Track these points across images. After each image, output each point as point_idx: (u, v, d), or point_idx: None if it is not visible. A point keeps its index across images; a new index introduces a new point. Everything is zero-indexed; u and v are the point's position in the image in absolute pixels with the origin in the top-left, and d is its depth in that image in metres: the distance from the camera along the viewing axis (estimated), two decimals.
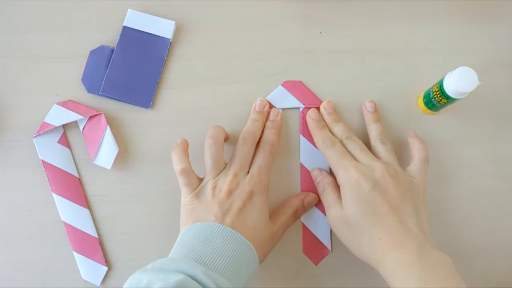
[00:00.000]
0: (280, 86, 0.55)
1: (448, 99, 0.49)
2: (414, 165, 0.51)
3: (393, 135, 0.56)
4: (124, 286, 0.40)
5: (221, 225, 0.45)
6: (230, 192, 0.47)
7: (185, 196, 0.49)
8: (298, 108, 0.55)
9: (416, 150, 0.51)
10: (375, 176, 0.47)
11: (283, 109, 0.55)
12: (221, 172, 0.49)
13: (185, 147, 0.50)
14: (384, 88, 0.57)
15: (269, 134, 0.52)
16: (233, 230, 0.45)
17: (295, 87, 0.55)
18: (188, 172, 0.49)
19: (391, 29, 0.58)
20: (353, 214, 0.47)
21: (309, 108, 0.55)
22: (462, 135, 0.56)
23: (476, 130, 0.57)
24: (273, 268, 0.53)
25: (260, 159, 0.50)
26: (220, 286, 0.40)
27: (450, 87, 0.48)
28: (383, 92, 0.56)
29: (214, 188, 0.48)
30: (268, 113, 0.54)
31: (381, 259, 0.45)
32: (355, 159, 0.50)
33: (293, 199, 0.53)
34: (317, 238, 0.53)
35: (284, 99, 0.55)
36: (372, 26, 0.57)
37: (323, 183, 0.52)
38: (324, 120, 0.54)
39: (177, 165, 0.49)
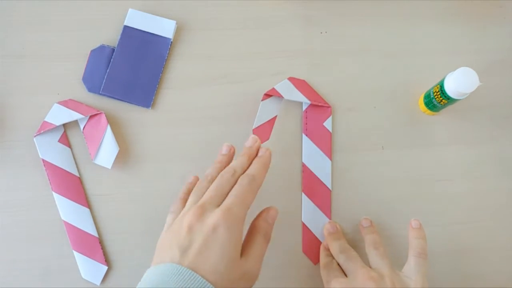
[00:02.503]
0: (286, 79, 0.55)
1: (449, 100, 0.50)
2: (409, 263, 0.48)
3: (393, 136, 0.56)
4: None
5: (178, 266, 0.39)
6: (190, 227, 0.41)
7: (166, 224, 0.46)
8: (302, 104, 0.55)
9: (411, 245, 0.49)
10: (356, 285, 0.46)
11: (287, 101, 0.55)
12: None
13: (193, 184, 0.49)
14: (384, 88, 0.57)
15: (252, 167, 0.46)
16: (191, 272, 0.38)
17: (300, 84, 0.55)
18: (178, 199, 0.47)
19: (391, 29, 0.58)
20: None
21: (315, 105, 0.55)
22: (463, 135, 0.56)
23: (476, 130, 0.57)
24: (273, 268, 0.53)
25: (236, 190, 0.43)
26: None
27: (450, 88, 0.48)
28: (383, 92, 0.56)
29: (180, 219, 0.43)
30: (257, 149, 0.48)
31: None
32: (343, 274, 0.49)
33: (257, 222, 0.46)
34: (317, 237, 0.53)
35: (291, 92, 0.54)
36: (372, 26, 0.58)
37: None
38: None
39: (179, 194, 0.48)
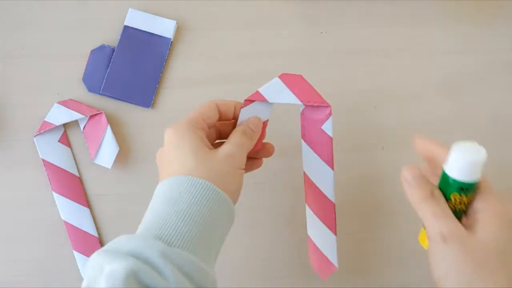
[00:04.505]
0: (276, 78, 0.46)
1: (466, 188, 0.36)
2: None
3: (393, 136, 0.56)
4: (86, 269, 0.35)
5: (186, 177, 0.38)
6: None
7: None
8: (299, 107, 0.49)
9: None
10: None
11: (278, 104, 0.47)
12: None
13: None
14: (384, 88, 0.57)
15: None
16: (199, 180, 0.38)
17: (294, 82, 0.47)
18: None
19: (391, 29, 0.58)
20: (498, 243, 0.34)
21: (310, 106, 0.46)
22: (463, 135, 0.56)
23: (476, 130, 0.57)
24: (273, 268, 0.53)
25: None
26: (182, 267, 0.34)
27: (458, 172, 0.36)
28: (383, 92, 0.56)
29: None
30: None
31: None
32: None
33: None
34: (323, 253, 0.49)
35: (280, 94, 0.46)
36: (372, 26, 0.58)
37: (429, 186, 0.37)
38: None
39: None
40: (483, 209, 0.36)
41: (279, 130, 0.55)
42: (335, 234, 0.49)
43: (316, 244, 0.49)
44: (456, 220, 0.35)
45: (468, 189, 0.36)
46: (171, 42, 0.55)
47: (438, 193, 0.37)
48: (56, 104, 0.53)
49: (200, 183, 0.38)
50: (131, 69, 0.55)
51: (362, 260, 0.53)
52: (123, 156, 0.54)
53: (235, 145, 0.42)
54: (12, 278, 0.52)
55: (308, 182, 0.49)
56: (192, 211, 0.37)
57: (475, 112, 0.57)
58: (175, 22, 0.55)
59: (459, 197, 0.36)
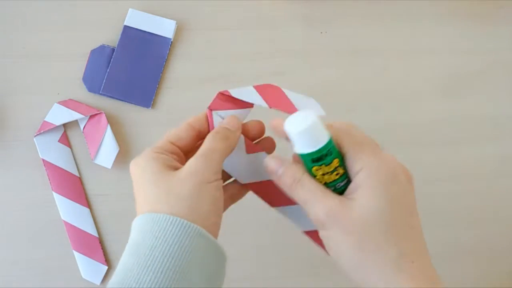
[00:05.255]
0: (251, 87, 0.41)
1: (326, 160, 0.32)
2: None
3: (394, 136, 0.56)
4: None
5: (143, 215, 0.33)
6: None
7: None
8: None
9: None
10: (408, 171, 0.34)
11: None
12: None
13: None
14: (384, 88, 0.57)
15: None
16: (158, 215, 0.32)
17: (269, 90, 0.41)
18: None
19: (391, 29, 0.58)
20: (377, 210, 0.31)
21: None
22: (462, 135, 0.56)
23: (476, 130, 0.57)
24: (273, 268, 0.53)
25: None
26: None
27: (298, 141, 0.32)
28: (383, 92, 0.56)
29: None
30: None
31: None
32: None
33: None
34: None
35: (247, 95, 0.40)
36: (372, 26, 0.58)
37: (292, 171, 0.34)
38: None
39: None
40: (360, 169, 0.32)
41: None
42: None
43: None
44: (330, 201, 0.32)
45: (322, 158, 0.32)
46: (171, 42, 0.55)
47: (301, 174, 0.33)
48: (56, 104, 0.53)
49: (163, 219, 0.32)
50: (131, 69, 0.55)
51: None
52: (123, 156, 0.54)
53: (200, 157, 0.34)
54: (12, 278, 0.52)
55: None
56: (154, 257, 0.30)
57: (475, 112, 0.57)
58: (175, 22, 0.55)
59: (320, 170, 0.33)
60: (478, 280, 0.55)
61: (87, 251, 0.52)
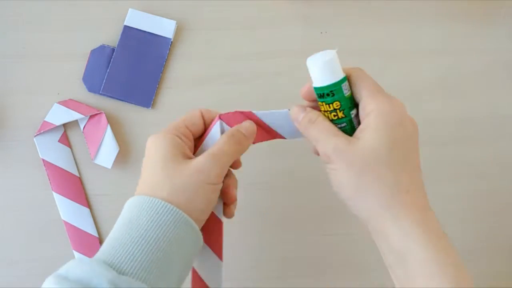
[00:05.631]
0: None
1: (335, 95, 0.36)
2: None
3: None
4: None
5: (143, 197, 0.36)
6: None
7: None
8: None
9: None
10: (414, 121, 0.38)
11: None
12: None
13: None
14: (384, 88, 0.57)
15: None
16: (159, 201, 0.35)
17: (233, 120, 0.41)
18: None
19: (391, 29, 0.58)
20: (380, 146, 0.35)
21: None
22: (462, 135, 0.57)
23: (476, 130, 0.57)
24: (273, 268, 0.53)
25: None
26: None
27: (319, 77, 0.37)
28: None
29: None
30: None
31: (399, 217, 0.34)
32: None
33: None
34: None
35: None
36: (372, 26, 0.58)
37: (311, 115, 0.38)
38: None
39: None
40: (371, 110, 0.36)
41: None
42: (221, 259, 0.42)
43: (200, 274, 0.42)
44: (337, 139, 0.36)
45: (323, 96, 0.36)
46: (171, 42, 0.55)
47: (316, 117, 0.37)
48: (56, 104, 0.53)
49: (161, 205, 0.35)
50: (131, 69, 0.55)
51: (363, 260, 0.53)
52: (123, 156, 0.54)
53: (210, 156, 0.37)
54: (12, 278, 0.52)
55: None
56: (149, 236, 0.34)
57: (475, 112, 0.57)
58: (175, 22, 0.55)
59: (322, 107, 0.37)
60: (478, 280, 0.54)
61: (87, 251, 0.52)
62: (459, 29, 0.58)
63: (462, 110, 0.57)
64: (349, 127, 0.37)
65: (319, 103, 0.37)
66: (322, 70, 0.36)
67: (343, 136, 0.36)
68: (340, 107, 0.37)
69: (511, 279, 0.55)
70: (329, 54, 0.36)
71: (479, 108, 0.57)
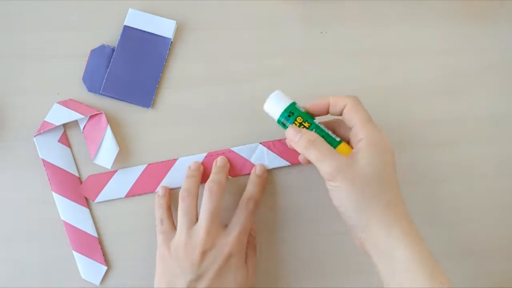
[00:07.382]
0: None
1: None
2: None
3: (393, 136, 0.56)
4: None
5: None
6: (204, 253, 0.44)
7: (160, 245, 0.48)
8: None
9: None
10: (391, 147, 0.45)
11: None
12: (193, 226, 0.47)
13: (167, 198, 0.51)
14: (384, 88, 0.57)
15: (255, 189, 0.50)
16: None
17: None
18: (165, 218, 0.49)
19: (391, 29, 0.58)
20: (374, 168, 0.41)
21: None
22: (462, 135, 0.56)
23: (476, 130, 0.57)
24: (273, 268, 0.53)
25: (241, 218, 0.48)
26: None
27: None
28: (383, 92, 0.56)
29: (186, 245, 0.45)
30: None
31: (392, 226, 0.41)
32: None
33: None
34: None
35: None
36: (372, 26, 0.58)
37: (308, 136, 0.44)
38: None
39: (157, 212, 0.50)
40: (362, 138, 0.43)
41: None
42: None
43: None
44: (338, 159, 0.42)
45: (291, 114, 0.45)
46: (171, 42, 0.55)
47: (315, 138, 0.44)
48: (56, 104, 0.53)
49: None
50: (131, 69, 0.55)
51: (363, 260, 0.53)
52: (123, 156, 0.54)
53: (254, 275, 0.49)
54: (12, 278, 0.52)
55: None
56: None
57: (475, 112, 0.57)
58: (175, 22, 0.55)
59: (294, 124, 0.46)
60: (478, 280, 0.54)
61: (86, 252, 0.52)
62: (459, 29, 0.58)
63: (462, 110, 0.57)
64: (319, 130, 0.45)
65: (289, 126, 0.46)
66: (275, 102, 0.46)
67: (341, 157, 0.42)
68: (303, 119, 0.45)
69: (511, 279, 0.55)
70: (274, 92, 0.47)
71: (479, 108, 0.57)
